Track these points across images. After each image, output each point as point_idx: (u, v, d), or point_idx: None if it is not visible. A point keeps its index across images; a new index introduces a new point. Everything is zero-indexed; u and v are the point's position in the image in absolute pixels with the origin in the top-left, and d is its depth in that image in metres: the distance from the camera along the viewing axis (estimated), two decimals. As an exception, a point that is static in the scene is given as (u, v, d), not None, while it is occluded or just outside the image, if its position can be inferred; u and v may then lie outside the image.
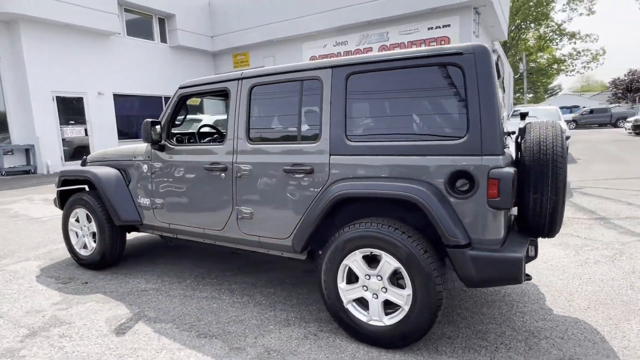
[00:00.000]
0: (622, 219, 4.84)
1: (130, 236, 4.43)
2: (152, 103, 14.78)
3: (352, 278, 2.31)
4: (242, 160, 2.72)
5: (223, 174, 2.81)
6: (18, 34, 11.10)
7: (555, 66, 39.80)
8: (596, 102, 41.18)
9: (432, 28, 11.91)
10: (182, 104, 3.18)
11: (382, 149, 2.23)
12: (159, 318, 2.68)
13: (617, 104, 32.84)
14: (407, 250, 2.05)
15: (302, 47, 14.39)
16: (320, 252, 2.54)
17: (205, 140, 3.83)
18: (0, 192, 8.69)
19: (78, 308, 2.86)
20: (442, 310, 2.11)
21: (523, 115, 2.55)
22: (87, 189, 3.85)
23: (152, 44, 14.71)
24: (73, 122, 12.41)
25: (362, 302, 2.29)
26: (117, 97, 13.49)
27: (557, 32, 37.90)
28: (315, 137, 2.45)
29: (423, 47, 2.34)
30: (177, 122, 3.33)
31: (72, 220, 3.70)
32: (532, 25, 37.94)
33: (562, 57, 38.83)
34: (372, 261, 2.24)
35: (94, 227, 3.53)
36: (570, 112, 32.54)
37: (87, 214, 3.58)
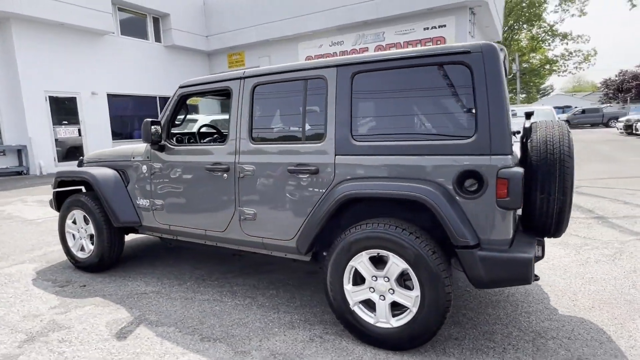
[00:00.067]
0: (619, 218, 4.87)
1: (128, 237, 4.36)
2: (146, 103, 14.64)
3: (358, 279, 2.28)
4: (245, 161, 2.68)
5: (225, 175, 2.77)
6: (10, 33, 10.92)
7: (547, 67, 40.14)
8: (588, 102, 41.66)
9: (427, 28, 11.94)
10: (182, 104, 3.13)
11: (388, 148, 2.21)
12: (160, 321, 2.63)
13: (608, 104, 33.25)
14: (415, 251, 2.03)
15: (298, 47, 14.34)
16: (324, 254, 2.51)
17: (205, 141, 3.77)
18: (-8, 193, 8.55)
19: (77, 312, 2.80)
20: (450, 311, 2.09)
21: (528, 115, 2.54)
22: (83, 190, 3.78)
23: (146, 44, 14.58)
24: (66, 122, 12.24)
25: (369, 304, 2.26)
26: (111, 97, 13.34)
27: (550, 33, 38.22)
28: (320, 137, 2.42)
29: (431, 46, 2.32)
30: (177, 122, 3.28)
31: (68, 222, 3.63)
32: (525, 26, 38.23)
33: (555, 58, 39.16)
34: (378, 262, 2.21)
35: (91, 229, 3.47)
36: (563, 112, 32.86)
37: (84, 216, 3.51)
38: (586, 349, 2.17)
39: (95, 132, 12.78)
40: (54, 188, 3.74)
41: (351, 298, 2.27)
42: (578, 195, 6.19)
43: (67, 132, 12.24)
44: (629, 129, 17.96)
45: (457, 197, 2.02)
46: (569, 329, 2.39)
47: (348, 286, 2.27)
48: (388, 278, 2.15)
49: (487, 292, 2.93)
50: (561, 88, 64.38)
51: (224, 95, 3.36)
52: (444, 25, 11.68)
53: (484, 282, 1.99)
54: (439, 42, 11.80)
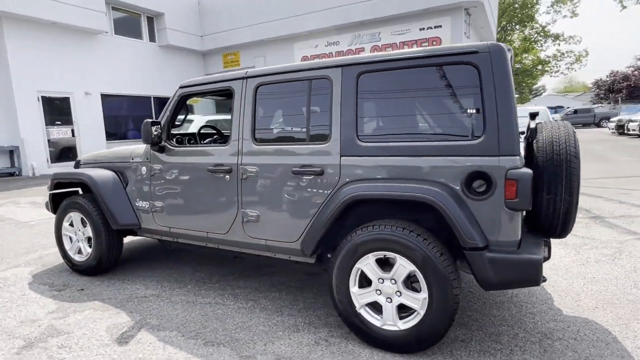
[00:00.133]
0: (616, 217, 4.91)
1: (125, 240, 4.29)
2: (140, 103, 14.50)
3: (363, 282, 2.26)
4: (248, 162, 2.64)
5: (227, 176, 2.73)
6: (1, 33, 10.73)
7: (539, 67, 40.52)
8: (579, 102, 42.12)
9: (423, 29, 11.97)
10: (182, 104, 3.09)
11: (394, 149, 2.19)
12: (162, 326, 2.59)
13: (600, 105, 33.64)
14: (423, 253, 2.01)
15: (293, 47, 14.30)
16: (329, 256, 2.49)
17: (205, 142, 3.73)
18: (-17, 195, 8.40)
19: (76, 317, 2.75)
20: (457, 313, 2.08)
21: (533, 115, 2.54)
22: (80, 192, 3.70)
23: (140, 43, 14.43)
24: (59, 122, 12.06)
25: (375, 307, 2.24)
26: (104, 97, 13.18)
27: (542, 34, 38.56)
28: (324, 138, 2.39)
29: (438, 46, 2.31)
30: (177, 123, 3.24)
31: (65, 224, 3.57)
32: (518, 27, 38.54)
33: (547, 59, 39.53)
34: (384, 264, 2.19)
35: (89, 231, 3.41)
36: (555, 112, 33.18)
37: (81, 218, 3.45)
38: (593, 350, 2.17)
39: (88, 132, 12.62)
40: (50, 190, 3.67)
41: (357, 300, 2.24)
42: (575, 195, 6.22)
43: (60, 133, 12.07)
44: (620, 129, 18.17)
45: (466, 199, 2.00)
46: (575, 329, 2.39)
47: (354, 288, 2.25)
48: (395, 280, 2.13)
49: (491, 292, 2.93)
50: (553, 88, 65.10)
51: (225, 95, 3.32)
52: (440, 26, 11.72)
53: (493, 284, 1.97)
54: (434, 43, 11.83)
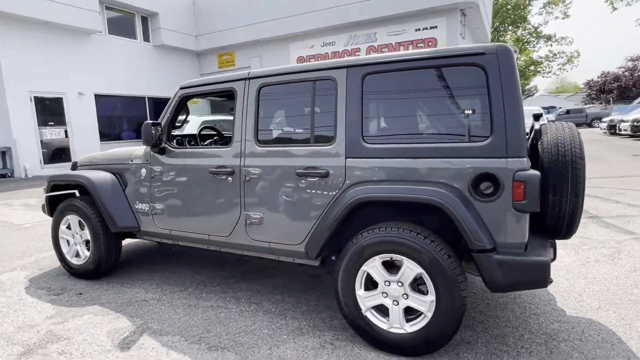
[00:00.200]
0: (613, 217, 4.95)
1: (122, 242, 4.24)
2: (135, 104, 14.37)
3: (369, 285, 2.24)
4: (251, 164, 2.62)
5: (230, 178, 2.70)
6: (-8, 31, 10.58)
7: (532, 68, 40.89)
8: (571, 103, 42.57)
9: (419, 29, 12.00)
10: (183, 105, 3.05)
11: (400, 151, 2.17)
12: (164, 330, 2.55)
13: (591, 105, 34.03)
14: (430, 256, 2.00)
15: (289, 47, 14.26)
16: (333, 258, 2.47)
17: (206, 143, 3.69)
18: (-25, 197, 8.25)
19: (75, 322, 2.70)
20: (465, 315, 2.07)
21: (537, 117, 2.54)
22: (77, 194, 3.65)
23: (134, 43, 14.30)
24: (52, 123, 11.90)
25: (381, 310, 2.22)
26: (98, 97, 13.03)
27: (534, 35, 38.94)
28: (329, 140, 2.38)
29: (444, 47, 2.30)
30: (177, 124, 3.20)
31: (62, 227, 3.51)
32: (510, 27, 38.86)
33: (539, 59, 39.91)
34: (390, 267, 2.18)
35: (87, 234, 3.35)
36: (548, 112, 33.47)
37: (79, 221, 3.39)
38: (599, 351, 2.17)
39: (82, 133, 12.47)
40: (47, 192, 3.60)
41: (363, 303, 2.22)
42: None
43: (53, 134, 11.91)
44: (612, 129, 18.37)
45: (473, 201, 2.00)
46: (579, 330, 2.40)
47: (360, 291, 2.23)
48: (402, 283, 2.12)
49: (493, 294, 2.93)
50: (545, 89, 65.74)
51: (225, 96, 3.29)
52: (435, 27, 11.75)
53: (501, 286, 1.97)
54: (430, 44, 11.87)
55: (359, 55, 12.89)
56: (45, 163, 11.69)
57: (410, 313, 2.16)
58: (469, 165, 2.00)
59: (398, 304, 2.14)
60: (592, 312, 2.61)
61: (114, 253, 3.38)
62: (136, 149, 3.32)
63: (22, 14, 10.60)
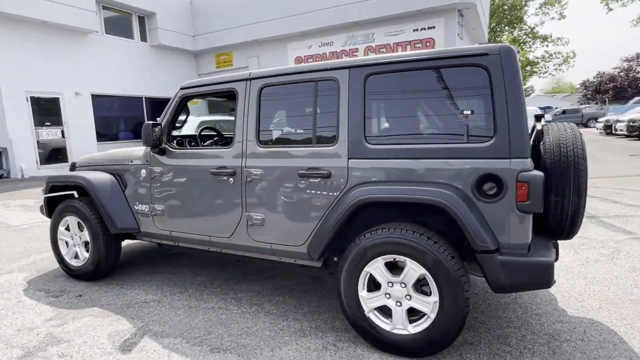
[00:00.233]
0: (611, 217, 4.97)
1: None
2: (132, 104, 14.30)
3: (372, 286, 2.24)
4: (253, 164, 2.60)
5: (231, 179, 2.68)
6: (-12, 31, 10.51)
7: (528, 68, 41.08)
8: (567, 103, 42.78)
9: (417, 30, 12.02)
10: (183, 106, 3.04)
11: (403, 151, 2.17)
12: (165, 332, 2.53)
13: (587, 105, 34.23)
14: (434, 257, 2.00)
15: (287, 47, 14.25)
16: (335, 259, 2.47)
17: (206, 143, 3.67)
18: (-30, 198, 8.18)
19: (75, 324, 2.68)
20: (468, 316, 2.07)
21: (539, 117, 2.55)
22: (75, 195, 3.62)
23: (131, 43, 14.24)
24: (49, 123, 11.83)
25: (384, 311, 2.22)
26: (95, 97, 12.96)
27: (530, 35, 39.12)
28: (331, 140, 2.37)
29: (447, 47, 2.30)
30: (177, 125, 3.18)
31: (61, 228, 3.48)
32: (507, 28, 39.02)
33: (536, 60, 40.11)
34: (393, 268, 2.17)
35: (86, 235, 3.33)
36: (544, 112, 33.63)
37: (78, 222, 3.37)
38: (601, 351, 2.18)
39: (79, 133, 12.40)
40: (45, 193, 3.57)
41: (366, 305, 2.22)
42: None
43: (49, 134, 11.83)
44: (608, 129, 18.46)
45: (476, 201, 1.99)
46: (581, 330, 2.40)
47: (363, 292, 2.23)
48: (405, 284, 2.12)
49: (495, 294, 2.93)
50: (541, 89, 66.11)
51: (226, 97, 3.27)
52: (433, 27, 11.78)
53: (504, 287, 1.97)
54: (428, 44, 11.89)
55: (356, 55, 12.90)
56: (41, 164, 11.62)
57: (413, 314, 2.16)
58: (472, 166, 2.00)
59: (401, 305, 2.14)
60: (593, 312, 2.62)
61: (113, 254, 3.35)
62: (136, 150, 3.30)
63: (18, 13, 10.53)
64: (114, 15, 13.78)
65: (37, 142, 11.53)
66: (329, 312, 2.73)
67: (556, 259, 2.17)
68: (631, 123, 15.43)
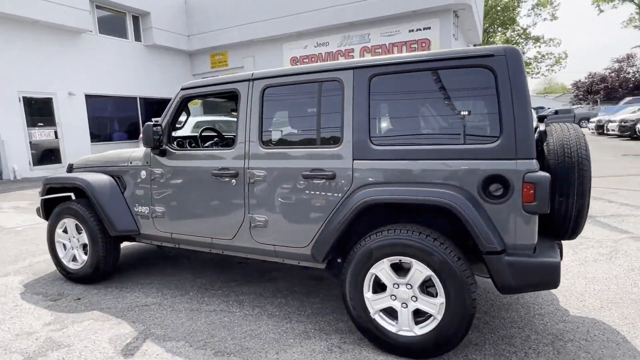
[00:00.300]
0: (607, 216, 5.02)
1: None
2: (126, 104, 14.17)
3: (377, 287, 2.23)
4: (255, 166, 2.58)
5: (234, 180, 2.66)
6: (-21, 30, 10.34)
7: (522, 69, 41.35)
8: (559, 103, 43.21)
9: (413, 30, 12.05)
10: (183, 106, 3.01)
11: (408, 152, 2.16)
12: (167, 335, 2.50)
13: (579, 105, 34.59)
14: (440, 258, 1.99)
15: (282, 47, 14.22)
16: (339, 260, 2.45)
17: (207, 144, 3.64)
18: (-38, 200, 8.04)
19: (75, 328, 2.63)
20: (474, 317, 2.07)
21: (541, 118, 2.56)
22: (73, 197, 3.56)
23: (125, 43, 14.11)
24: (42, 124, 11.67)
25: (390, 312, 2.21)
26: (89, 97, 12.82)
27: (523, 36, 39.47)
28: (336, 141, 2.36)
29: (453, 48, 2.30)
30: (177, 125, 3.15)
31: (59, 231, 3.43)
32: (500, 29, 39.34)
33: (528, 60, 40.48)
34: (398, 269, 2.17)
35: (84, 238, 3.28)
36: (537, 112, 33.92)
37: (76, 224, 3.32)
38: (605, 351, 2.19)
39: (72, 134, 12.26)
40: (42, 195, 3.52)
41: (371, 306, 2.21)
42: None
43: (42, 135, 11.68)
44: (600, 129, 18.66)
45: (482, 202, 1.99)
46: (584, 330, 2.42)
47: (368, 294, 2.22)
48: (411, 285, 2.11)
49: (497, 294, 2.94)
50: (533, 90, 66.69)
51: (227, 97, 3.25)
52: (429, 28, 11.82)
53: (511, 288, 1.97)
54: (423, 45, 11.93)
55: (352, 55, 12.91)
56: (34, 164, 11.47)
57: (419, 315, 2.15)
58: (479, 167, 2.00)
59: (407, 306, 2.13)
60: (595, 312, 2.64)
61: (112, 257, 3.31)
62: (135, 151, 3.26)
63: (10, 12, 10.38)
64: (108, 14, 13.65)
65: (30, 142, 11.38)
66: (333, 314, 2.71)
67: (560, 259, 2.18)
68: (623, 123, 15.62)
